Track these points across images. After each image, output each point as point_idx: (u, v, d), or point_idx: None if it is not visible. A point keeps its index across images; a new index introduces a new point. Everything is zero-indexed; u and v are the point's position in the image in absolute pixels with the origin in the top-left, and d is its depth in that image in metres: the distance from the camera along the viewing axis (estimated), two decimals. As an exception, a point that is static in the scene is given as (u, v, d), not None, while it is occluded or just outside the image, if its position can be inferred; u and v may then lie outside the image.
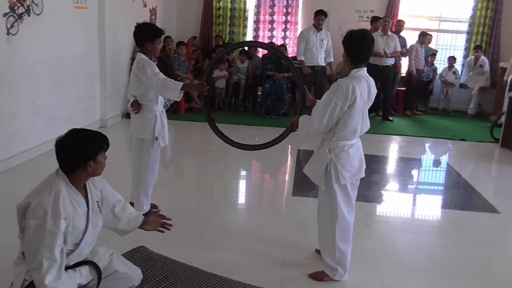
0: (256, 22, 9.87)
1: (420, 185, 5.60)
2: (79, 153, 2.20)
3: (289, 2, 9.72)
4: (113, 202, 2.51)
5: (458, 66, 9.51)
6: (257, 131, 7.22)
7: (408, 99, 9.12)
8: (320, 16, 7.53)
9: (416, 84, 9.04)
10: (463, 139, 7.37)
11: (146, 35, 3.62)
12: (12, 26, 4.84)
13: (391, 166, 6.18)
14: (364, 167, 3.02)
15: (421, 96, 9.40)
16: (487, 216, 4.46)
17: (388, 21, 8.24)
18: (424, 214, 4.55)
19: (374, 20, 8.47)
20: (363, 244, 3.60)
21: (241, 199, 4.91)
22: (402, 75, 9.10)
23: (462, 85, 9.43)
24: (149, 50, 3.63)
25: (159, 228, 2.65)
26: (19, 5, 4.93)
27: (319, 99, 2.96)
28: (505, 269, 3.47)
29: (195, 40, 9.30)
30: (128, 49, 7.67)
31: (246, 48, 9.22)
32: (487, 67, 9.14)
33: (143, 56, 3.61)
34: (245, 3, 9.82)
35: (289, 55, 8.95)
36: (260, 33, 9.90)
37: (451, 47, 10.01)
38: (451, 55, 9.58)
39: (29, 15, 5.09)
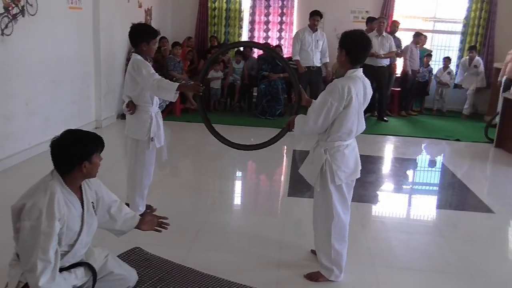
0: (252, 22, 9.87)
1: (415, 185, 5.62)
2: (74, 154, 2.20)
3: (284, 2, 9.73)
4: (109, 203, 2.50)
5: (452, 66, 9.55)
6: (253, 132, 7.22)
7: (403, 100, 9.15)
8: (315, 16, 7.54)
9: (411, 85, 9.07)
10: (458, 140, 7.40)
11: (141, 35, 3.61)
12: (6, 26, 4.82)
13: (386, 167, 6.19)
14: (360, 167, 3.02)
15: (416, 97, 9.44)
16: (481, 216, 4.47)
17: (383, 21, 8.27)
18: (419, 214, 4.56)
19: (370, 20, 8.50)
20: (358, 244, 3.61)
21: (237, 199, 4.91)
22: (397, 75, 9.12)
23: (456, 86, 9.47)
24: (144, 51, 3.63)
25: (155, 227, 2.65)
26: (13, 5, 4.91)
27: (315, 99, 2.96)
28: (500, 268, 3.49)
29: (190, 41, 9.29)
30: (123, 50, 7.66)
31: (241, 48, 9.23)
32: (481, 68, 9.17)
33: (138, 57, 3.60)
34: (240, 4, 9.82)
35: (285, 56, 8.96)
36: (256, 34, 9.90)
37: (445, 47, 10.05)
38: (446, 55, 9.62)
39: (23, 16, 5.08)
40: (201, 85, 3.55)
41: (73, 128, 2.39)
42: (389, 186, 5.42)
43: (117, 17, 7.18)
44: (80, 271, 2.34)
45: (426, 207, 4.76)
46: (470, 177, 5.76)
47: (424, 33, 9.29)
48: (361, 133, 3.00)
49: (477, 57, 9.19)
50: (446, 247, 3.73)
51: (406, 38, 9.09)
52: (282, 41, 9.84)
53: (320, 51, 7.76)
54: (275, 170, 5.91)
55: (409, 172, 6.08)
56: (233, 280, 2.90)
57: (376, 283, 3.14)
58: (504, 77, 8.06)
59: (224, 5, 9.84)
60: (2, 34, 4.78)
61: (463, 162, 6.54)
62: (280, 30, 9.88)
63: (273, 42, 9.79)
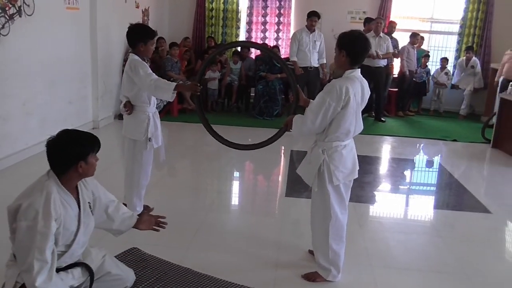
0: (249, 23, 9.87)
1: (412, 185, 5.63)
2: (70, 153, 2.19)
3: (282, 3, 9.73)
4: (106, 203, 2.50)
5: (449, 67, 9.58)
6: (250, 132, 7.21)
7: (401, 100, 9.16)
8: (313, 17, 7.55)
9: (408, 85, 9.09)
10: (455, 140, 7.42)
11: (139, 36, 3.61)
12: (3, 27, 4.81)
13: (383, 167, 6.20)
14: (357, 168, 3.03)
15: (413, 97, 9.46)
16: (479, 216, 4.48)
17: (380, 22, 8.28)
18: (417, 214, 4.57)
19: (367, 21, 8.51)
20: (356, 244, 3.61)
21: (235, 200, 4.91)
22: (394, 76, 9.14)
23: (453, 86, 9.50)
24: (141, 51, 3.63)
25: (153, 227, 2.64)
26: (10, 5, 4.90)
27: (312, 99, 2.96)
28: (497, 269, 3.50)
29: (186, 41, 9.28)
30: (120, 50, 7.65)
31: (239, 49, 9.23)
32: (478, 68, 9.20)
33: (136, 57, 3.60)
34: (237, 4, 9.82)
35: (282, 56, 8.96)
36: (253, 34, 9.90)
37: (442, 48, 10.08)
38: (443, 56, 9.64)
39: (20, 16, 5.06)
40: (198, 84, 3.55)
41: (70, 128, 2.38)
42: (387, 186, 5.43)
43: (114, 17, 7.17)
44: (77, 271, 2.34)
45: (423, 208, 4.77)
46: (467, 178, 5.78)
47: (421, 34, 9.31)
48: (359, 134, 3.01)
49: (474, 58, 9.22)
50: (443, 248, 3.74)
51: (403, 39, 9.11)
52: (280, 42, 9.84)
53: (317, 52, 7.77)
54: (272, 170, 5.91)
55: (407, 173, 6.09)
56: (231, 281, 2.90)
57: (374, 283, 3.14)
58: (501, 78, 8.09)
59: (222, 6, 9.83)
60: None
61: (460, 162, 6.55)
62: (278, 31, 9.88)
63: (271, 42, 9.79)
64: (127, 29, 3.64)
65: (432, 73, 9.54)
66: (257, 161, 5.94)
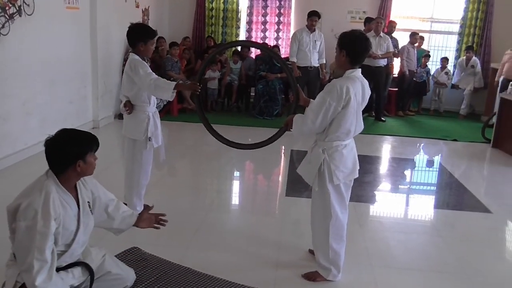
0: (249, 23, 9.87)
1: (412, 185, 5.63)
2: (68, 153, 2.19)
3: (282, 3, 9.73)
4: (106, 202, 2.50)
5: (449, 67, 9.57)
6: (250, 132, 7.21)
7: (401, 100, 9.16)
8: (313, 17, 7.54)
9: (408, 85, 9.09)
10: (455, 140, 7.42)
11: (139, 35, 3.60)
12: (3, 26, 4.80)
13: (384, 167, 6.20)
14: (358, 167, 3.02)
15: (413, 97, 9.46)
16: (479, 216, 4.48)
17: (380, 22, 8.28)
18: (417, 214, 4.57)
19: (368, 21, 8.51)
20: (356, 244, 3.61)
21: (235, 199, 4.90)
22: (394, 75, 9.14)
23: (454, 86, 9.49)
24: (141, 51, 3.62)
25: (154, 224, 2.64)
26: (10, 5, 4.89)
27: (313, 99, 2.96)
28: (497, 268, 3.49)
29: (186, 41, 9.28)
30: (120, 50, 7.65)
31: (239, 48, 9.22)
32: (478, 68, 9.20)
33: (136, 57, 3.60)
34: (237, 4, 9.82)
35: (282, 56, 8.96)
36: (253, 34, 9.90)
37: (442, 48, 10.07)
38: (443, 56, 9.64)
39: (20, 16, 5.06)
40: (198, 84, 3.55)
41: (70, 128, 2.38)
42: (387, 186, 5.43)
43: (114, 17, 7.17)
44: (78, 270, 2.34)
45: (423, 207, 4.77)
46: (468, 177, 5.77)
47: (421, 34, 9.31)
48: (359, 133, 3.00)
49: (474, 57, 9.22)
50: (443, 247, 3.74)
51: (403, 39, 9.10)
52: (280, 41, 9.84)
53: (317, 52, 7.76)
54: (273, 170, 5.91)
55: (407, 172, 6.08)
56: (231, 280, 2.89)
57: (374, 283, 3.14)
58: (501, 77, 8.09)
59: (222, 5, 9.83)
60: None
61: (460, 162, 6.55)
62: (278, 31, 9.88)
63: (271, 42, 9.79)
64: (127, 29, 3.64)
65: (432, 72, 9.54)
66: (257, 161, 5.93)
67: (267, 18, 9.84)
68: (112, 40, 7.26)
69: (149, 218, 2.64)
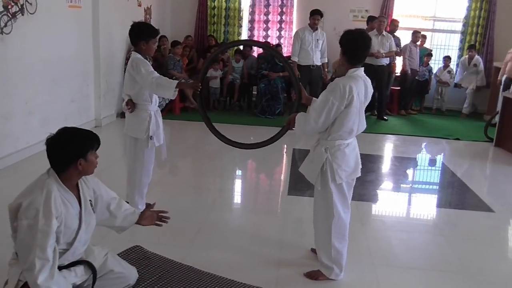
0: (251, 21, 9.87)
1: (415, 184, 5.62)
2: (69, 151, 2.20)
3: (284, 1, 9.72)
4: (107, 200, 2.50)
5: (452, 65, 9.56)
6: (252, 131, 7.22)
7: (403, 99, 9.15)
8: (315, 16, 7.52)
9: (411, 84, 9.08)
10: (457, 139, 7.40)
11: (141, 34, 3.60)
12: (5, 25, 4.81)
13: (386, 165, 6.19)
14: (360, 166, 3.02)
15: (416, 96, 9.44)
16: (481, 215, 4.47)
17: (383, 21, 8.26)
18: (419, 213, 4.56)
19: (370, 20, 8.50)
20: (358, 243, 3.61)
21: (237, 198, 4.90)
22: (396, 74, 9.12)
23: (456, 85, 9.47)
24: (143, 50, 3.62)
25: (156, 222, 2.64)
26: (12, 4, 4.90)
27: (315, 97, 2.96)
28: (499, 267, 3.48)
29: (188, 39, 9.28)
30: (122, 49, 7.65)
31: (241, 47, 9.22)
32: (481, 67, 9.18)
33: (138, 55, 3.60)
34: (239, 3, 9.81)
35: (284, 55, 8.95)
36: (255, 33, 9.89)
37: (445, 46, 10.05)
38: (445, 55, 9.62)
39: (22, 14, 5.07)
40: (199, 83, 3.55)
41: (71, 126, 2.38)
42: (389, 185, 5.42)
43: (116, 15, 7.17)
44: (80, 269, 2.34)
45: (426, 206, 4.76)
46: (470, 176, 5.76)
47: (424, 32, 9.29)
48: (361, 132, 3.00)
49: (476, 56, 9.20)
50: (445, 246, 3.73)
51: (405, 37, 9.08)
52: (282, 40, 9.83)
53: (320, 50, 7.75)
54: (275, 169, 5.91)
55: (409, 171, 6.08)
56: (233, 279, 2.89)
57: (376, 282, 3.14)
58: (504, 76, 8.06)
59: (224, 4, 9.83)
60: (2, 32, 4.77)
61: (462, 161, 6.54)
62: (280, 29, 9.87)
63: (273, 41, 9.78)
64: (129, 28, 3.64)
65: (434, 71, 9.52)
66: (259, 160, 5.93)
67: (269, 16, 9.84)
68: (114, 38, 7.26)
69: (151, 216, 2.64)
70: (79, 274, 2.33)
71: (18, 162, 5.08)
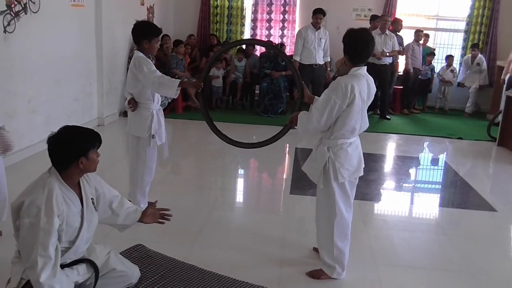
0: (254, 20, 9.86)
1: (417, 183, 5.61)
2: (71, 150, 2.20)
3: (287, 0, 9.71)
4: (110, 198, 2.51)
5: (455, 64, 9.53)
6: (255, 130, 7.22)
7: (406, 98, 9.13)
8: (318, 14, 7.51)
9: (413, 83, 9.06)
10: (460, 138, 7.39)
11: (144, 33, 3.61)
12: (9, 24, 4.82)
13: (388, 165, 6.19)
14: (363, 165, 3.01)
15: (418, 95, 9.42)
16: (484, 215, 4.46)
17: (388, 20, 8.25)
18: (422, 212, 4.56)
19: (373, 18, 8.48)
20: (360, 242, 3.60)
21: (239, 197, 4.91)
22: (399, 73, 9.11)
23: (459, 84, 9.45)
24: (146, 48, 3.63)
25: (158, 220, 2.65)
26: (16, 3, 4.91)
27: (318, 96, 2.96)
28: (502, 267, 3.48)
29: (191, 38, 9.29)
30: (125, 47, 7.66)
31: (244, 46, 9.22)
32: (484, 65, 9.16)
33: (140, 54, 3.60)
34: (242, 2, 9.80)
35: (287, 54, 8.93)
36: (258, 32, 9.89)
37: (448, 45, 10.03)
38: (449, 54, 9.60)
39: (26, 13, 5.08)
40: (202, 83, 3.55)
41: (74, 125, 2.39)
42: (392, 184, 5.41)
43: (119, 14, 7.18)
44: (82, 267, 2.35)
45: (428, 205, 4.75)
46: (473, 176, 5.75)
47: (427, 31, 9.27)
48: (364, 131, 2.99)
49: (479, 55, 9.17)
50: (448, 245, 3.73)
51: (408, 36, 9.06)
52: (285, 39, 9.82)
53: (322, 49, 7.74)
54: (277, 168, 5.91)
55: (412, 170, 6.07)
56: (235, 278, 2.90)
57: (378, 281, 3.14)
58: (508, 75, 8.03)
59: (226, 3, 9.82)
60: (5, 31, 4.78)
61: (465, 160, 6.52)
62: (283, 28, 9.87)
63: (276, 40, 9.78)
64: (132, 26, 3.64)
65: (437, 70, 9.50)
66: (261, 159, 5.93)
67: (272, 15, 9.84)
68: (117, 37, 7.27)
69: (154, 214, 2.64)
70: (82, 272, 2.33)
71: (22, 160, 5.09)
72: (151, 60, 3.69)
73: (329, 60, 7.97)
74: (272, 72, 8.20)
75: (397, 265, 3.37)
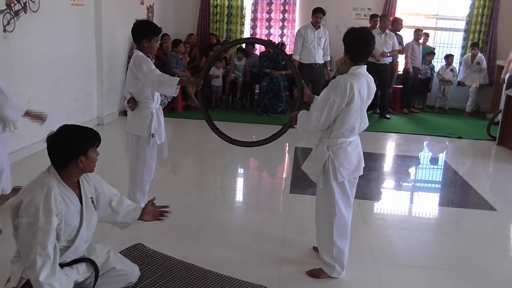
0: (254, 19, 9.86)
1: (417, 182, 5.61)
2: (70, 149, 2.20)
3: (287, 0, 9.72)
4: (109, 197, 2.52)
5: (455, 64, 9.53)
6: (254, 129, 7.22)
7: (405, 97, 9.13)
8: (318, 14, 7.51)
9: (413, 82, 9.06)
10: (460, 137, 7.39)
11: (143, 32, 3.61)
12: (8, 23, 4.82)
13: (388, 164, 6.19)
14: (363, 165, 3.01)
15: (418, 94, 9.42)
16: (484, 214, 4.46)
17: (389, 19, 8.25)
18: (421, 211, 4.56)
19: (373, 17, 8.48)
20: (360, 241, 3.61)
21: (239, 196, 4.91)
22: (399, 73, 9.11)
23: (459, 83, 9.45)
24: (145, 48, 3.63)
25: (158, 217, 2.65)
26: (15, 2, 4.91)
27: (317, 95, 2.96)
28: (501, 266, 3.48)
29: (191, 38, 9.28)
30: (125, 47, 7.66)
31: (243, 45, 9.21)
32: (484, 64, 9.16)
33: (140, 53, 3.60)
34: (242, 1, 9.80)
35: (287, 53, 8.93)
36: (258, 31, 9.89)
37: (448, 45, 10.03)
38: (448, 53, 9.60)
39: (25, 12, 5.08)
40: (201, 81, 3.55)
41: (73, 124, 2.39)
42: (391, 183, 5.42)
43: (119, 14, 7.18)
44: (82, 266, 2.35)
45: (428, 205, 4.76)
46: (472, 175, 5.75)
47: (427, 31, 9.26)
48: (363, 130, 2.99)
49: (479, 54, 9.18)
50: (447, 245, 3.73)
51: (408, 35, 9.06)
52: (284, 38, 9.83)
53: (322, 48, 7.74)
54: (277, 167, 5.91)
55: (411, 170, 6.07)
56: (235, 277, 2.90)
57: (378, 280, 3.14)
58: (507, 75, 8.03)
59: (226, 2, 9.82)
60: (4, 30, 4.78)
61: (465, 159, 6.53)
62: (282, 27, 9.87)
63: (275, 39, 9.78)
64: (132, 26, 3.64)
65: (436, 69, 9.50)
66: (261, 158, 5.94)
67: (272, 15, 9.83)
68: (117, 37, 7.27)
69: (153, 211, 2.65)
70: (81, 271, 2.33)
71: (22, 160, 5.10)
72: (151, 59, 3.69)
73: (329, 59, 7.97)
74: (272, 71, 8.20)
75: (396, 264, 3.37)
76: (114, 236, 3.17)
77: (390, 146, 7.07)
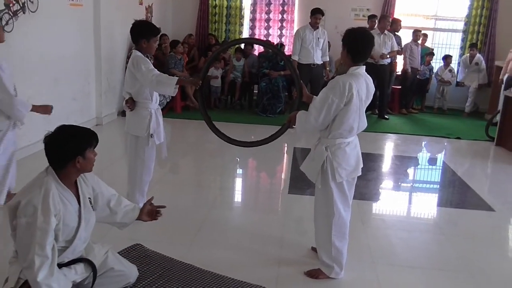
0: (252, 20, 9.86)
1: (415, 183, 5.61)
2: (67, 149, 2.20)
3: (285, 0, 9.72)
4: (108, 197, 2.52)
5: (453, 64, 9.55)
6: (253, 129, 7.22)
7: (404, 98, 9.14)
8: (317, 14, 7.52)
9: (412, 83, 9.07)
10: (458, 138, 7.40)
11: (142, 32, 3.61)
12: (7, 23, 4.82)
13: (387, 164, 6.19)
14: (361, 165, 3.01)
15: (417, 95, 9.43)
16: (482, 214, 4.47)
17: (388, 20, 8.25)
18: (420, 212, 4.56)
19: (371, 18, 8.49)
20: (359, 242, 3.61)
21: (237, 197, 4.91)
22: (397, 73, 9.11)
23: (459, 83, 9.46)
24: (144, 48, 3.63)
25: (155, 217, 2.66)
26: (14, 2, 4.90)
27: (316, 95, 2.96)
28: (500, 267, 3.48)
29: (190, 38, 9.28)
30: (124, 47, 7.66)
31: (242, 46, 9.22)
32: (483, 65, 9.17)
33: (138, 53, 3.60)
34: (241, 2, 9.80)
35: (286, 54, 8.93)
36: (256, 31, 9.89)
37: (446, 45, 10.04)
38: (447, 53, 9.61)
39: (24, 12, 5.07)
40: (200, 80, 3.55)
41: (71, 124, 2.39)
42: (390, 184, 5.42)
43: (117, 14, 7.17)
44: (80, 267, 2.34)
45: (426, 205, 4.76)
46: (471, 175, 5.76)
47: (425, 31, 9.27)
48: (362, 131, 3.00)
49: (478, 55, 9.19)
50: (446, 245, 3.73)
51: (406, 36, 9.07)
52: (283, 39, 9.83)
53: (321, 49, 7.75)
54: (275, 168, 5.91)
55: (410, 170, 6.08)
56: (234, 277, 2.89)
57: (376, 280, 3.14)
58: (506, 75, 8.04)
59: (225, 3, 9.82)
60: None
61: (463, 160, 6.53)
62: (281, 28, 9.87)
63: (274, 39, 9.78)
64: (131, 26, 3.64)
65: (435, 70, 9.51)
66: (260, 158, 5.94)
67: (271, 15, 9.84)
68: (116, 37, 7.26)
69: (151, 211, 2.66)
70: (79, 271, 2.33)
71: (21, 160, 5.08)
72: (149, 60, 3.69)
73: (328, 59, 7.97)
74: (270, 71, 8.19)
75: (395, 264, 3.37)
76: (112, 236, 3.17)
77: (389, 147, 7.08)
